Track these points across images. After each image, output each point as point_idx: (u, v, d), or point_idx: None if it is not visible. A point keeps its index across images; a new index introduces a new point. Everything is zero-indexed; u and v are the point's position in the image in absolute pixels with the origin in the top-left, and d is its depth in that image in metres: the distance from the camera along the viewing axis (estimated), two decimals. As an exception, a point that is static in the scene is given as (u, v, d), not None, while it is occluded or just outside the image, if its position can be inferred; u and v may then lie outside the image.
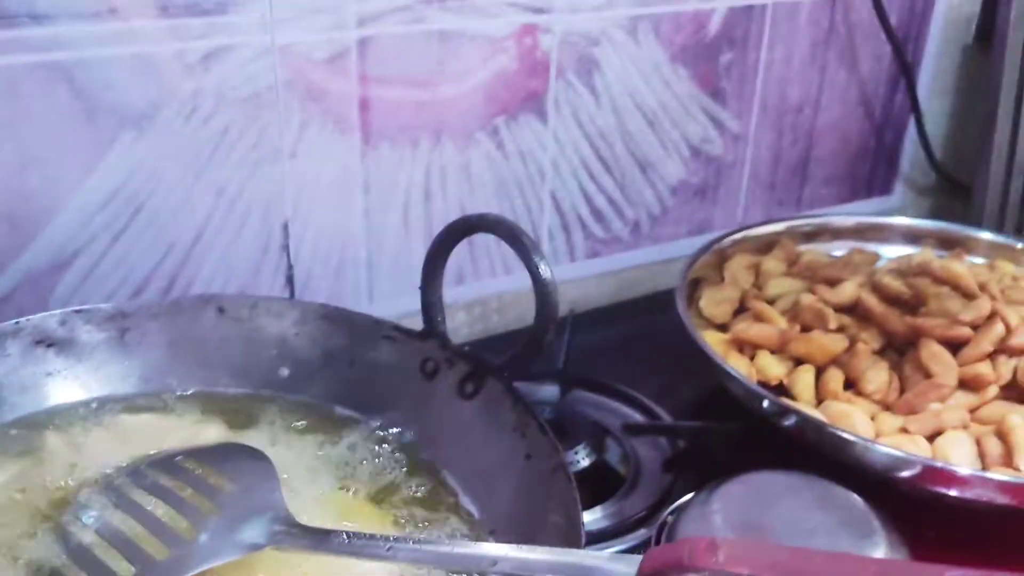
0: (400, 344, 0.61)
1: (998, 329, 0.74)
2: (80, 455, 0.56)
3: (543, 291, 0.53)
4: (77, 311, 0.61)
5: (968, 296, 0.78)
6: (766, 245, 0.91)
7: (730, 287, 0.85)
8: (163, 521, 0.49)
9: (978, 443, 0.68)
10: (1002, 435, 0.68)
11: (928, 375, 0.72)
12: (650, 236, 0.98)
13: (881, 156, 1.11)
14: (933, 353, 0.73)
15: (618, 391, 0.79)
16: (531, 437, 0.54)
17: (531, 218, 0.90)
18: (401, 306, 0.82)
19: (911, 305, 0.79)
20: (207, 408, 0.61)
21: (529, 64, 0.83)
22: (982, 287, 0.79)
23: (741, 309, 0.84)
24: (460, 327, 0.90)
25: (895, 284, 0.81)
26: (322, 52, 0.73)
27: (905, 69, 1.05)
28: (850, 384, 0.74)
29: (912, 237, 0.94)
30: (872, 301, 0.79)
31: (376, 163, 0.79)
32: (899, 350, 0.77)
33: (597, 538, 0.64)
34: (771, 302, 0.83)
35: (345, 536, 0.46)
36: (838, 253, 0.93)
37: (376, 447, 0.59)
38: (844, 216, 0.97)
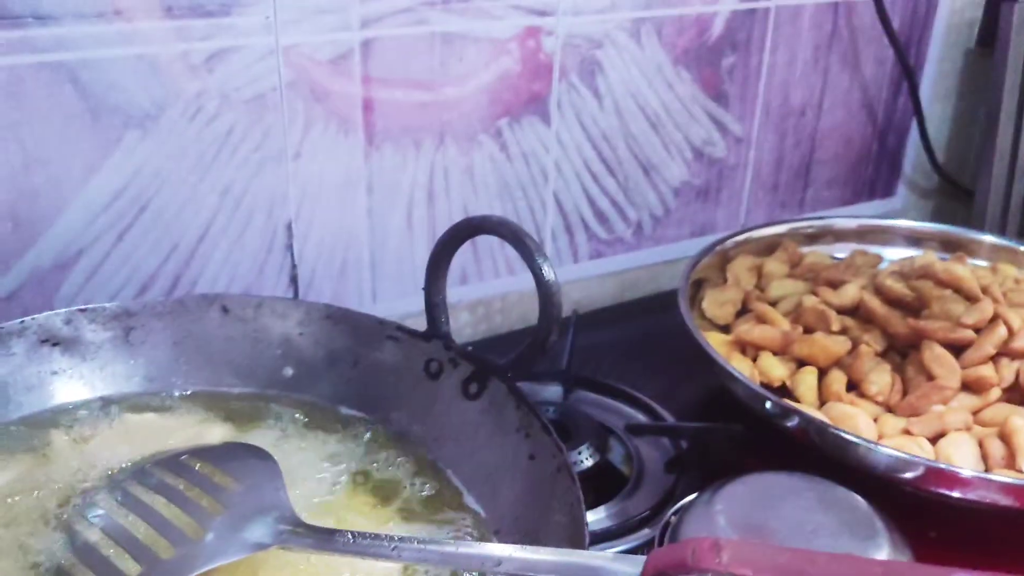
0: (404, 344, 0.61)
1: (1000, 332, 0.74)
2: (85, 454, 0.56)
3: (546, 293, 0.53)
4: (82, 310, 0.61)
5: (971, 299, 0.79)
6: (769, 247, 0.91)
7: (733, 288, 0.85)
8: (169, 520, 0.49)
9: (981, 445, 0.68)
10: (1005, 437, 0.68)
11: (931, 377, 0.72)
12: (653, 237, 0.98)
13: (883, 159, 1.11)
14: (936, 355, 0.73)
15: (621, 392, 0.80)
16: (535, 437, 0.54)
17: (534, 219, 0.90)
18: (404, 306, 0.83)
19: (914, 307, 0.79)
20: (212, 407, 0.61)
21: (532, 66, 0.83)
22: (984, 290, 0.79)
23: (744, 310, 0.84)
24: (464, 327, 0.91)
25: (898, 286, 0.81)
26: (326, 53, 0.74)
27: (907, 73, 1.05)
28: (853, 386, 0.74)
29: (914, 240, 0.94)
30: (875, 303, 0.79)
31: (379, 164, 0.80)
32: (902, 352, 0.77)
33: (600, 538, 0.64)
34: (774, 304, 0.83)
35: (350, 536, 0.46)
36: (840, 255, 0.93)
37: (380, 447, 0.59)
38: (846, 218, 0.97)
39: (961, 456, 0.67)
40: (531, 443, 0.54)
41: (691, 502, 0.61)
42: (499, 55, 0.81)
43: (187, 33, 0.68)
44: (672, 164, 0.96)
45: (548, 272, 0.53)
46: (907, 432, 0.69)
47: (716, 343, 0.77)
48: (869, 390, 0.72)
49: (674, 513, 0.61)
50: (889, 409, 0.72)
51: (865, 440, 0.64)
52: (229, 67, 0.70)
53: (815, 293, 0.82)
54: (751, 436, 0.70)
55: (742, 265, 0.88)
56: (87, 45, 0.65)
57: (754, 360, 0.77)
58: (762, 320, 0.80)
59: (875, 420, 0.70)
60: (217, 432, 0.59)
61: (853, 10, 0.99)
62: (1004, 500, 0.61)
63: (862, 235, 0.95)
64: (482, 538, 0.53)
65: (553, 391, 0.80)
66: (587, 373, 0.81)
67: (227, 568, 0.47)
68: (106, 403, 0.61)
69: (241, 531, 0.48)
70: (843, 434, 0.64)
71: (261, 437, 0.59)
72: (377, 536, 0.46)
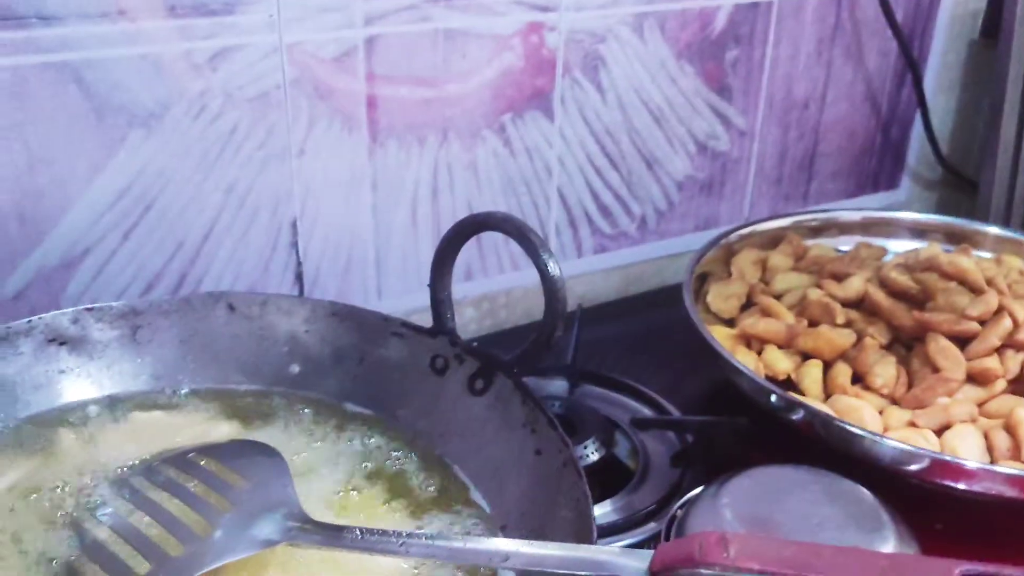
0: (410, 341, 0.62)
1: (1006, 324, 0.74)
2: (93, 452, 0.56)
3: (551, 288, 0.53)
4: (89, 309, 0.61)
5: (975, 291, 0.78)
6: (773, 240, 0.91)
7: (737, 282, 0.85)
8: (177, 517, 0.49)
9: (986, 437, 0.68)
10: (1010, 429, 0.68)
11: (936, 369, 0.72)
12: (657, 231, 0.98)
13: (887, 151, 1.11)
14: (941, 348, 0.73)
15: (626, 386, 0.80)
16: (541, 432, 0.54)
17: (538, 214, 0.90)
18: (409, 303, 0.83)
19: (918, 300, 0.79)
20: (219, 405, 0.62)
21: (535, 62, 0.83)
22: (989, 282, 0.79)
23: (748, 304, 0.84)
24: (468, 323, 0.91)
25: (902, 279, 0.81)
26: (329, 51, 0.74)
27: (911, 65, 1.05)
28: (858, 379, 0.74)
29: (919, 232, 0.94)
30: (880, 296, 0.79)
31: (384, 161, 0.80)
32: (907, 345, 0.77)
33: (607, 532, 0.64)
34: (778, 297, 0.83)
35: (358, 532, 0.46)
36: (845, 248, 0.93)
37: (387, 443, 0.59)
38: (851, 211, 0.97)
39: (966, 448, 0.67)
40: (537, 438, 0.54)
41: (697, 496, 0.61)
42: (502, 51, 0.81)
43: (190, 32, 0.68)
44: (676, 158, 0.96)
45: (553, 267, 0.53)
46: (912, 424, 0.69)
47: (721, 337, 0.77)
48: (874, 383, 0.72)
49: (680, 507, 0.61)
50: (894, 401, 0.72)
51: (870, 433, 0.64)
52: (233, 65, 0.70)
53: (820, 286, 0.82)
54: (756, 429, 0.70)
55: (746, 259, 0.88)
56: (91, 45, 0.65)
57: (759, 353, 0.77)
58: (767, 313, 0.80)
59: (880, 413, 0.70)
60: (224, 429, 0.59)
61: (856, 2, 0.99)
62: (1010, 492, 0.62)
63: (866, 228, 0.95)
64: (489, 533, 0.53)
65: (558, 386, 0.80)
66: (592, 367, 0.81)
67: (236, 565, 0.47)
68: (113, 401, 0.61)
69: (249, 528, 0.48)
70: (848, 427, 0.64)
71: (268, 434, 0.59)
72: (385, 532, 0.46)
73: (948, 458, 0.63)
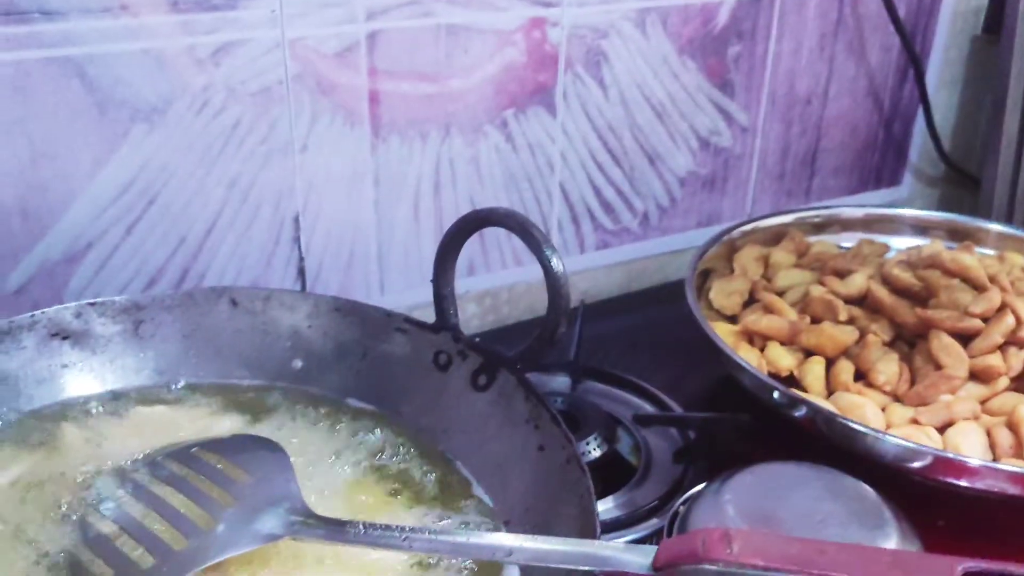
0: (412, 336, 0.62)
1: (1008, 321, 0.74)
2: (96, 446, 0.56)
3: (554, 284, 0.53)
4: (92, 303, 0.61)
5: (978, 288, 0.78)
6: (775, 236, 0.91)
7: (740, 278, 0.85)
8: (180, 512, 0.49)
9: (989, 434, 0.68)
10: (1013, 426, 0.68)
11: (939, 367, 0.72)
12: (659, 227, 0.98)
13: (890, 147, 1.11)
14: (944, 345, 0.73)
15: (629, 382, 0.80)
16: (544, 428, 0.54)
17: (541, 210, 0.90)
18: (411, 298, 0.83)
19: (921, 297, 0.79)
20: (221, 400, 0.62)
21: (538, 57, 0.83)
22: (992, 279, 0.79)
23: (751, 300, 0.84)
24: (471, 318, 0.91)
25: (905, 276, 0.80)
26: (331, 46, 0.74)
27: (913, 60, 1.05)
28: (860, 375, 0.74)
29: (921, 228, 0.94)
30: (882, 293, 0.79)
31: (386, 156, 0.80)
32: (909, 342, 0.77)
33: (609, 527, 0.64)
34: (781, 293, 0.83)
35: (361, 526, 0.46)
36: (847, 244, 0.93)
37: (390, 438, 0.59)
38: (853, 207, 0.97)
39: (969, 445, 0.67)
40: (540, 434, 0.54)
41: (700, 492, 0.61)
42: (504, 46, 0.81)
43: (193, 27, 0.68)
44: (678, 154, 0.96)
45: (556, 263, 0.53)
46: (915, 421, 0.69)
47: (723, 333, 0.77)
48: (877, 380, 0.72)
49: (683, 503, 0.61)
50: (897, 398, 0.72)
51: (873, 430, 0.64)
52: (235, 60, 0.70)
53: (822, 283, 0.82)
54: (759, 426, 0.70)
55: (749, 255, 0.88)
56: (93, 40, 0.65)
57: (761, 350, 0.77)
58: (769, 310, 0.80)
59: (883, 409, 0.70)
60: (227, 424, 0.59)
61: (859, -2, 0.99)
62: (1012, 489, 0.62)
63: (869, 224, 0.95)
64: (492, 529, 0.53)
65: (561, 382, 0.80)
66: (595, 364, 0.81)
67: (239, 559, 0.47)
68: (116, 396, 0.61)
69: (253, 522, 0.48)
70: (851, 424, 0.64)
71: (271, 429, 0.59)
72: (388, 527, 0.46)
73: (951, 455, 0.63)
